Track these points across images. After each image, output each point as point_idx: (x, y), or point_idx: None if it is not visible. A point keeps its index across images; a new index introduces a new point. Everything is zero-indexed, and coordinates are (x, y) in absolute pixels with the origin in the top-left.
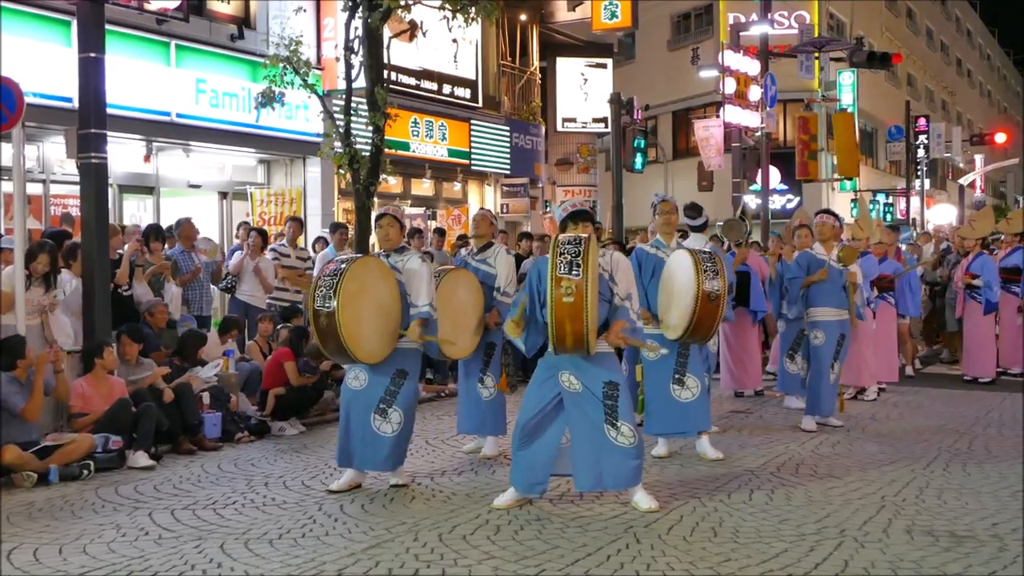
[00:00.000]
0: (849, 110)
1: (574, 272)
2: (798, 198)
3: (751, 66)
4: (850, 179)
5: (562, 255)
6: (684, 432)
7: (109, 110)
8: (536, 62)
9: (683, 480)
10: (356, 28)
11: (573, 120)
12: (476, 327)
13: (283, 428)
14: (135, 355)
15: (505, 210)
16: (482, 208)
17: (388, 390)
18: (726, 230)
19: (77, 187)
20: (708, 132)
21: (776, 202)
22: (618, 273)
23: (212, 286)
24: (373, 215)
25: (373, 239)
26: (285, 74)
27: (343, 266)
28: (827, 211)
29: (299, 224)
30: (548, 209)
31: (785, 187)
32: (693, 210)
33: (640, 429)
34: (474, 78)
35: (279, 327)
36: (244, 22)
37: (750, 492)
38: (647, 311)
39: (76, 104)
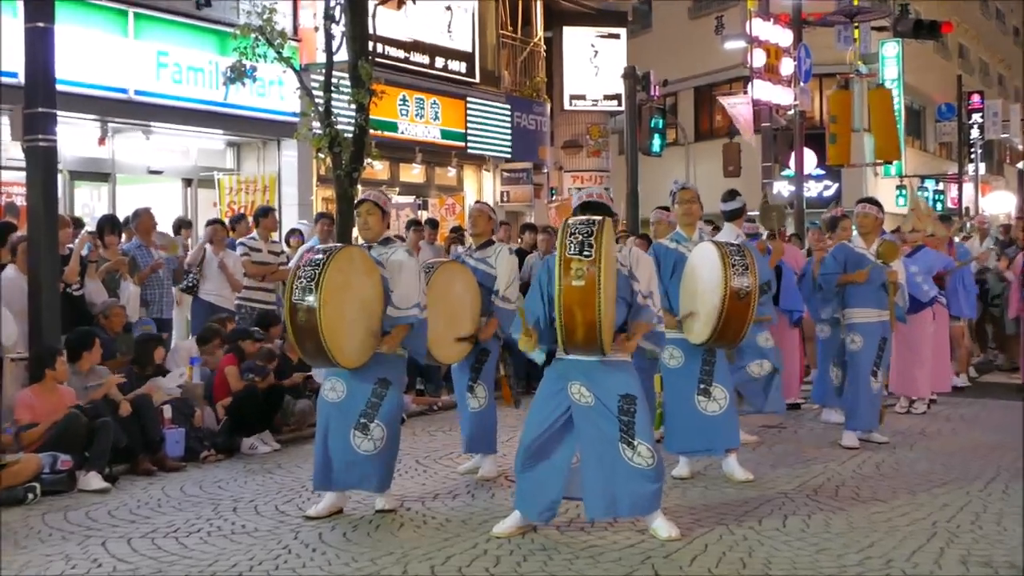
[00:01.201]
0: (889, 86)
1: (585, 253)
2: (836, 185)
3: (782, 36)
4: (891, 163)
5: (573, 235)
6: (710, 450)
7: (59, 87)
8: (540, 32)
9: (708, 504)
10: None
11: (582, 97)
12: (470, 329)
13: (254, 446)
14: (91, 362)
15: (505, 199)
16: (479, 201)
17: (369, 402)
18: (763, 215)
19: (23, 174)
20: (735, 111)
21: (811, 189)
22: (639, 269)
23: (174, 286)
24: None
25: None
26: (257, 46)
27: (326, 255)
28: (869, 200)
29: (272, 215)
30: (554, 197)
31: (822, 172)
32: (728, 194)
33: (659, 447)
34: (470, 50)
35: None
36: None
37: (784, 518)
38: (668, 313)
39: (22, 80)
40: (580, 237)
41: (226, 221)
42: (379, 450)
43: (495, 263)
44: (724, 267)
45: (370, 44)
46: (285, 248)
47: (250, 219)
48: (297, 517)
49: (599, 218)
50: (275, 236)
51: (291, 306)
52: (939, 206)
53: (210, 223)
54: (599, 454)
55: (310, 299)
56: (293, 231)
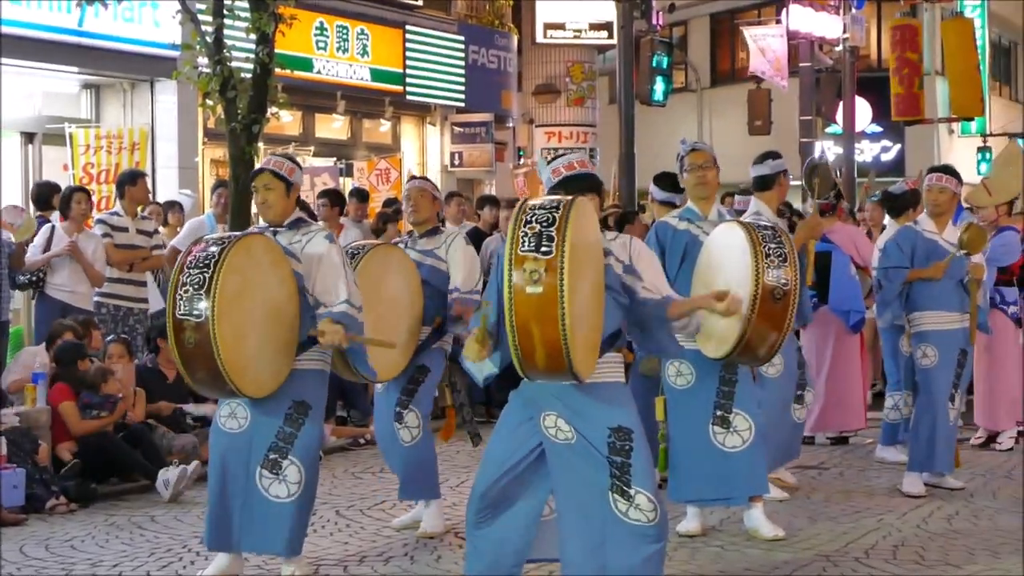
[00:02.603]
0: (970, 14)
1: (543, 248)
2: (898, 146)
3: None
4: (971, 119)
5: (528, 225)
6: (729, 499)
7: None
8: None
9: (725, 570)
10: None
11: (560, 27)
12: (408, 340)
13: (168, 481)
14: None
15: (457, 162)
16: (415, 177)
17: (281, 432)
18: (809, 175)
19: None
20: (763, 45)
21: (865, 151)
22: (641, 262)
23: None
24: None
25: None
26: None
27: (217, 250)
28: (945, 169)
29: (142, 182)
30: (522, 160)
31: (879, 129)
32: (763, 157)
33: (662, 494)
34: None
35: (108, 340)
36: None
37: None
38: None
39: None
40: (538, 227)
41: (93, 190)
42: (295, 497)
43: (448, 255)
44: (755, 256)
45: None
46: (160, 228)
47: (111, 188)
48: None
49: (565, 199)
50: (145, 210)
51: (175, 323)
52: None
53: (75, 191)
54: (582, 507)
55: (200, 311)
56: (172, 204)
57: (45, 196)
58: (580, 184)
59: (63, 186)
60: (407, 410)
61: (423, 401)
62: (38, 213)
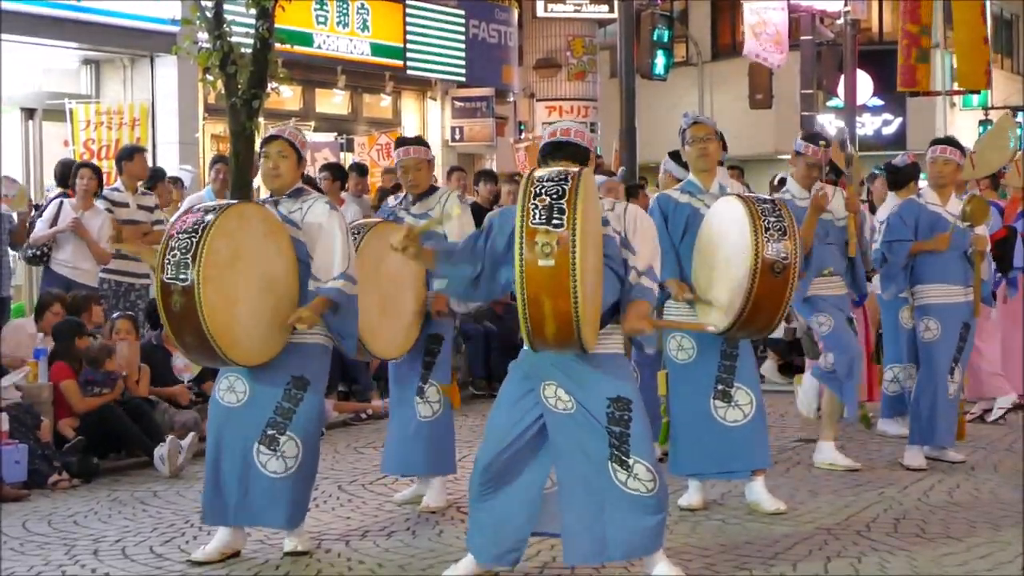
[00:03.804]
0: None
1: (555, 221)
2: (900, 119)
3: None
4: (977, 92)
5: (538, 197)
6: (731, 472)
7: None
8: None
9: (726, 544)
10: None
11: (561, 1)
12: (415, 314)
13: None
14: None
15: (458, 137)
16: (405, 140)
17: (280, 407)
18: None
19: None
20: (764, 18)
21: (867, 125)
22: (636, 236)
23: (12, 252)
24: (258, 142)
25: (259, 182)
26: None
27: (208, 217)
28: (948, 141)
29: (141, 157)
30: (523, 135)
31: (880, 103)
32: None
33: (662, 467)
34: None
35: (115, 317)
36: None
37: (826, 561)
38: (683, 284)
39: None
40: (548, 199)
41: (104, 166)
42: (292, 472)
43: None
44: (754, 230)
45: None
46: (156, 201)
47: (111, 164)
48: (180, 562)
49: (575, 170)
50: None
51: (163, 287)
52: None
53: (80, 167)
54: (582, 478)
55: (186, 276)
56: (174, 180)
57: (67, 174)
58: (564, 151)
59: (79, 161)
60: (428, 384)
61: (441, 371)
62: (59, 190)
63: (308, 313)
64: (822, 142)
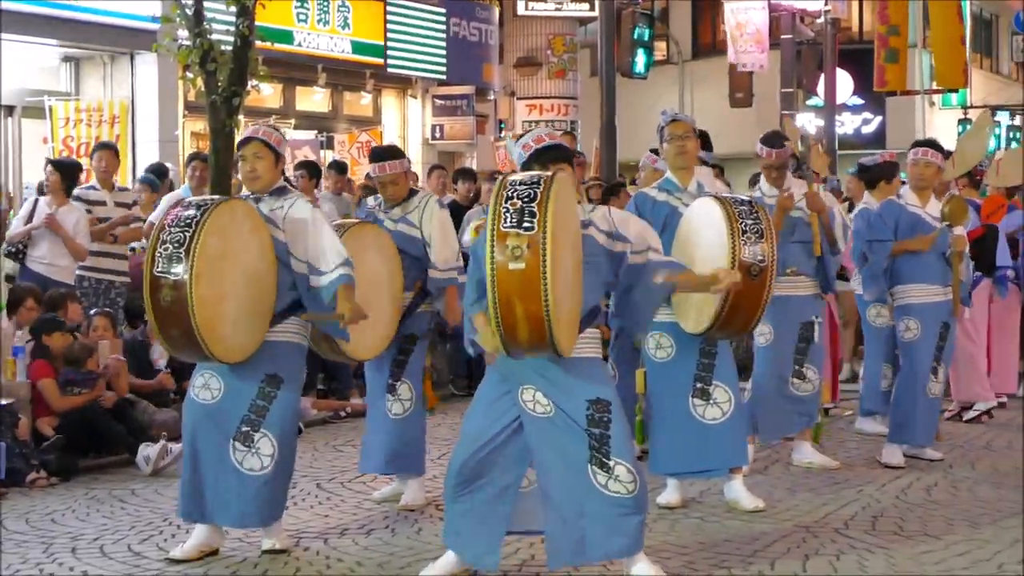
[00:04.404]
0: None
1: (525, 224)
2: (879, 118)
3: None
4: (955, 91)
5: (509, 200)
6: (709, 470)
7: None
8: None
9: (705, 542)
10: None
11: (543, 0)
12: (391, 315)
13: (148, 457)
14: None
15: (438, 135)
16: (382, 156)
17: (254, 405)
18: (811, 156)
19: None
20: (744, 18)
21: (847, 124)
22: (624, 225)
23: None
24: (237, 140)
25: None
26: None
27: (199, 213)
28: (930, 143)
29: (114, 153)
30: (504, 133)
31: (860, 102)
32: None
33: (642, 467)
34: None
35: (92, 313)
36: None
37: (804, 559)
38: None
39: None
40: (519, 202)
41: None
42: (268, 470)
43: (422, 221)
44: (731, 232)
45: None
46: (137, 197)
47: (93, 160)
48: (158, 560)
49: (546, 174)
50: (123, 181)
51: (152, 280)
52: (1014, 146)
53: (63, 166)
54: (562, 480)
55: (178, 271)
56: (145, 178)
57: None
58: (553, 155)
59: (76, 161)
60: (400, 382)
61: (414, 371)
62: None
63: (350, 305)
64: (787, 142)
